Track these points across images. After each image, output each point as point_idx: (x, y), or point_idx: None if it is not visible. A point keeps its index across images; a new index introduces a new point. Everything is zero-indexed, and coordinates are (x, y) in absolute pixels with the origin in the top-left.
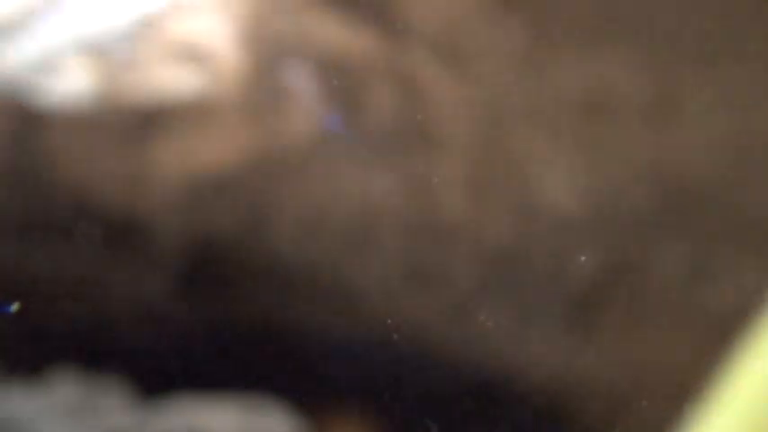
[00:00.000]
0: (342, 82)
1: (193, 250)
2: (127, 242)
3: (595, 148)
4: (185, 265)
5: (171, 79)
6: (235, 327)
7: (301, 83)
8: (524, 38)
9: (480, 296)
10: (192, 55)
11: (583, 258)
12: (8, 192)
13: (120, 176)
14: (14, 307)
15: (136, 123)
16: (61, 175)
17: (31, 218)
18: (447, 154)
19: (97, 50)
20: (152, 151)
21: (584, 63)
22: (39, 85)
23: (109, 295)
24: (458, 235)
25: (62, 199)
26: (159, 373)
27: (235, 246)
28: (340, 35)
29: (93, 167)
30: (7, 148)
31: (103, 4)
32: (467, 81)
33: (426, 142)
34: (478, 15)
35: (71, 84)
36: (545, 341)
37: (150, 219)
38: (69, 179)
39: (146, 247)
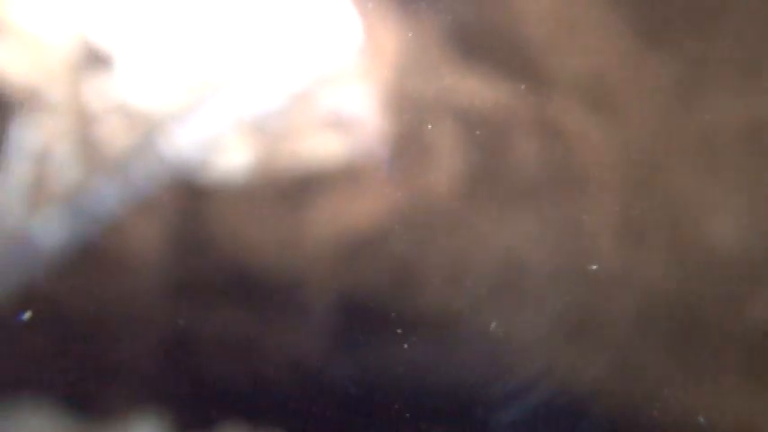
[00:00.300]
0: (485, 133)
1: (346, 307)
2: (283, 302)
3: (759, 184)
4: (338, 322)
5: (321, 147)
6: (389, 381)
7: (445, 138)
8: (674, 74)
9: (640, 346)
10: (340, 122)
11: (753, 304)
12: (177, 258)
13: (276, 241)
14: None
15: (290, 190)
16: (224, 242)
17: (196, 281)
18: (598, 198)
19: (254, 126)
20: (306, 215)
21: (744, 94)
22: (204, 162)
23: (267, 353)
24: (612, 281)
25: (225, 264)
26: (317, 428)
27: (385, 301)
28: (482, 89)
29: (252, 234)
30: (177, 219)
31: (259, 85)
32: (616, 123)
33: (575, 187)
34: (624, 58)
35: (232, 159)
36: (716, 392)
37: (305, 278)
38: (231, 245)
39: (301, 305)
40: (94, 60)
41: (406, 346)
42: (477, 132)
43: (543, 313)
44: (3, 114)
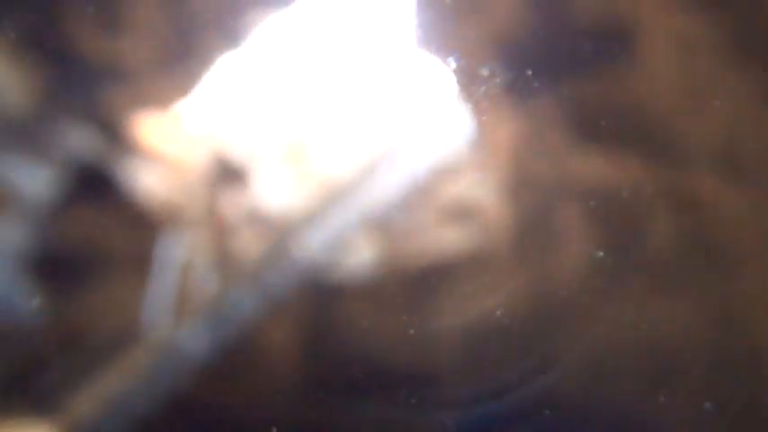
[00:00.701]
0: (615, 215)
1: (481, 399)
2: (418, 396)
3: None
4: (473, 413)
5: (446, 239)
6: None
7: (572, 222)
8: None
9: None
10: (462, 213)
11: None
12: (310, 359)
13: (406, 335)
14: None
15: (417, 283)
16: (355, 339)
17: (329, 380)
18: (745, 272)
19: (379, 224)
20: (433, 306)
21: None
22: (332, 262)
23: None
24: None
25: (357, 361)
26: None
27: (521, 392)
28: (607, 169)
29: (381, 329)
30: (308, 320)
31: (383, 183)
32: (754, 194)
33: (718, 263)
34: (757, 125)
35: (359, 257)
36: None
37: (437, 372)
38: (362, 342)
39: (435, 398)
40: (228, 174)
41: None
42: (606, 214)
43: (700, 401)
44: (150, 233)
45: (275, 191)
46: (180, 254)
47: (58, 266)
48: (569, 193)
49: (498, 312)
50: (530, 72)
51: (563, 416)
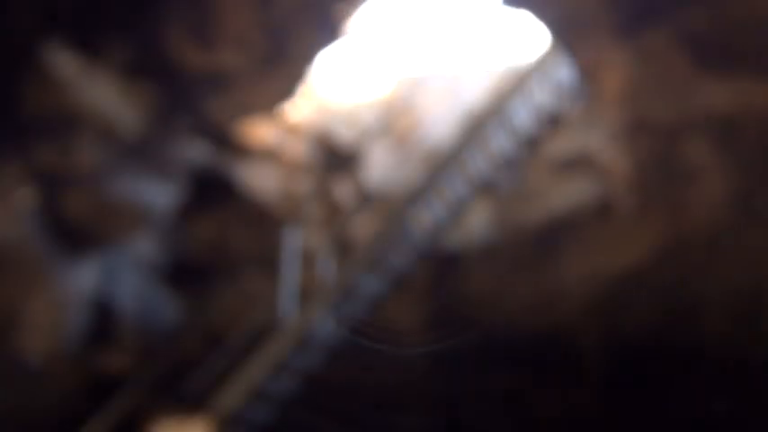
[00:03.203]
0: (746, 145)
1: (612, 352)
2: (548, 354)
3: None
4: (606, 369)
5: (563, 194)
6: (664, 423)
7: (701, 158)
8: None
9: None
10: (576, 165)
11: None
12: (436, 327)
13: (529, 294)
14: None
15: (539, 242)
16: (477, 302)
17: (453, 347)
18: None
19: (490, 188)
20: (558, 265)
21: None
22: (448, 232)
23: (537, 407)
24: None
25: (484, 328)
26: None
27: (656, 343)
28: (732, 95)
29: (506, 293)
30: (433, 291)
31: (492, 146)
32: None
33: None
34: None
35: (474, 223)
36: None
37: (567, 328)
38: (484, 305)
39: (566, 355)
40: (336, 162)
41: (681, 387)
42: (737, 144)
43: None
44: (272, 229)
45: (384, 171)
46: (302, 245)
47: (192, 271)
48: (694, 128)
49: (628, 260)
50: (635, 12)
51: (705, 360)
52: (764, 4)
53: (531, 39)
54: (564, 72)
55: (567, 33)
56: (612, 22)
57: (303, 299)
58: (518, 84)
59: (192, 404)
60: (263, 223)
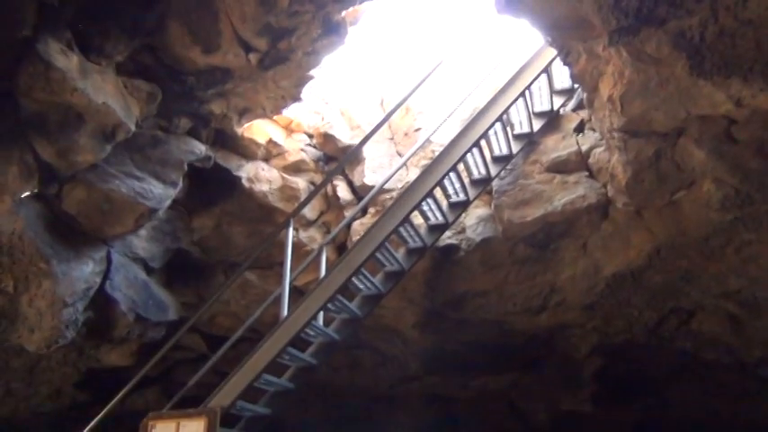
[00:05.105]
0: (744, 147)
1: (609, 350)
2: (545, 354)
3: None
4: (601, 366)
5: (563, 196)
6: (661, 424)
7: (698, 160)
8: None
9: None
10: (573, 167)
11: None
12: (430, 325)
13: (529, 294)
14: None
15: (536, 240)
16: (473, 303)
17: (446, 347)
18: None
19: (488, 188)
20: (555, 261)
21: None
22: (448, 228)
23: (531, 407)
24: None
25: (476, 325)
26: None
27: (650, 343)
28: (729, 97)
29: (504, 290)
30: (432, 285)
31: (484, 144)
32: None
33: None
34: None
35: (473, 220)
36: None
37: (565, 327)
38: (487, 306)
39: (563, 354)
40: (338, 159)
41: (679, 388)
42: (734, 147)
43: None
44: (272, 226)
45: (384, 171)
46: (303, 241)
47: (191, 268)
48: (689, 133)
49: (625, 264)
50: (631, 18)
51: (706, 365)
52: (760, 8)
53: (531, 39)
54: (562, 74)
55: (562, 39)
56: (608, 28)
57: (301, 296)
58: (518, 84)
59: (190, 400)
60: (263, 221)
